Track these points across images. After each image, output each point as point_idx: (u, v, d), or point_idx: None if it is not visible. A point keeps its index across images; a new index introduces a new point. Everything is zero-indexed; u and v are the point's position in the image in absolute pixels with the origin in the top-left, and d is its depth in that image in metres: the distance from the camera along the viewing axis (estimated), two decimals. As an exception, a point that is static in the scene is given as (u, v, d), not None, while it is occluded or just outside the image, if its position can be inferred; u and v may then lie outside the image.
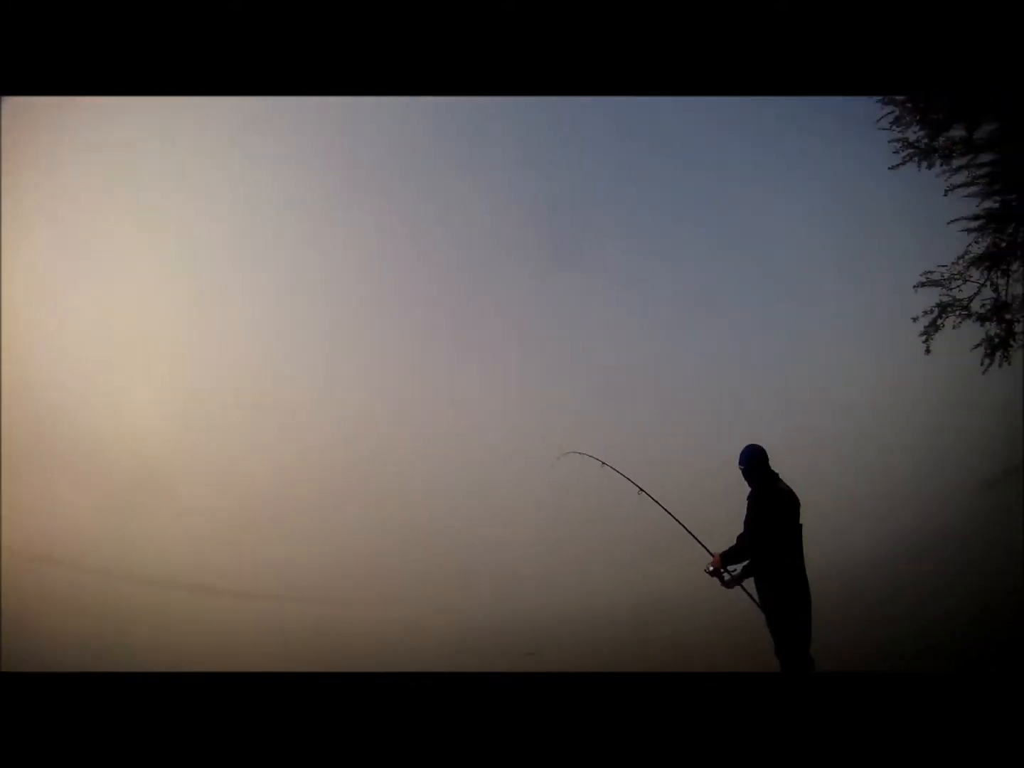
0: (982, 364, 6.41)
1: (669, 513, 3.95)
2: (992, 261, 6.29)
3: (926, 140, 6.31)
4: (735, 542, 3.47)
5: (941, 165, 6.31)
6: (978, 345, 6.42)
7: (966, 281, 6.43)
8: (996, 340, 6.34)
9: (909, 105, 6.28)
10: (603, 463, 4.44)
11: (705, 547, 3.68)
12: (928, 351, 6.62)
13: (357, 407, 10.89)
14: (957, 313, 6.48)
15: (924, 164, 6.39)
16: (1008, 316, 6.32)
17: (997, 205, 6.26)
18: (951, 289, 6.51)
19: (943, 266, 6.53)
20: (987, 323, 6.39)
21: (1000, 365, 6.34)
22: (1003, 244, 6.24)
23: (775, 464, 3.52)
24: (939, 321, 6.55)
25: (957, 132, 6.12)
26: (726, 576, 3.52)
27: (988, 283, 6.34)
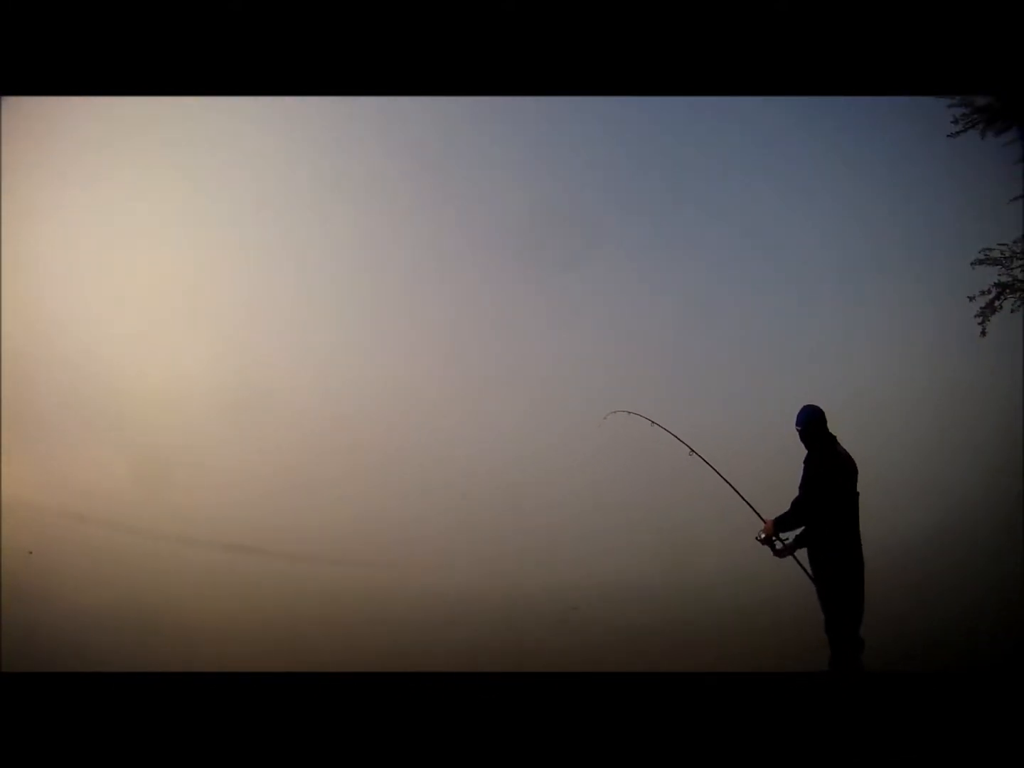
0: None
1: (721, 476, 3.77)
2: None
3: (997, 105, 5.64)
4: (789, 508, 3.29)
5: (1006, 131, 5.64)
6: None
7: None
8: None
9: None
10: (652, 422, 4.27)
11: (757, 512, 3.50)
12: (984, 333, 6.12)
13: (401, 372, 10.82)
14: (1018, 295, 6.01)
15: (989, 131, 5.78)
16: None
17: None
18: (1011, 268, 6.04)
19: (1003, 245, 6.05)
20: None
21: None
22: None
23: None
24: (997, 303, 6.09)
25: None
26: (778, 544, 3.34)
27: None
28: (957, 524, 7.45)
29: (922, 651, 4.11)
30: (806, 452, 3.35)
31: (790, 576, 3.42)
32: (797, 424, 3.37)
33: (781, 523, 3.33)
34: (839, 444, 3.34)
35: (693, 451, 3.93)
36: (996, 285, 6.11)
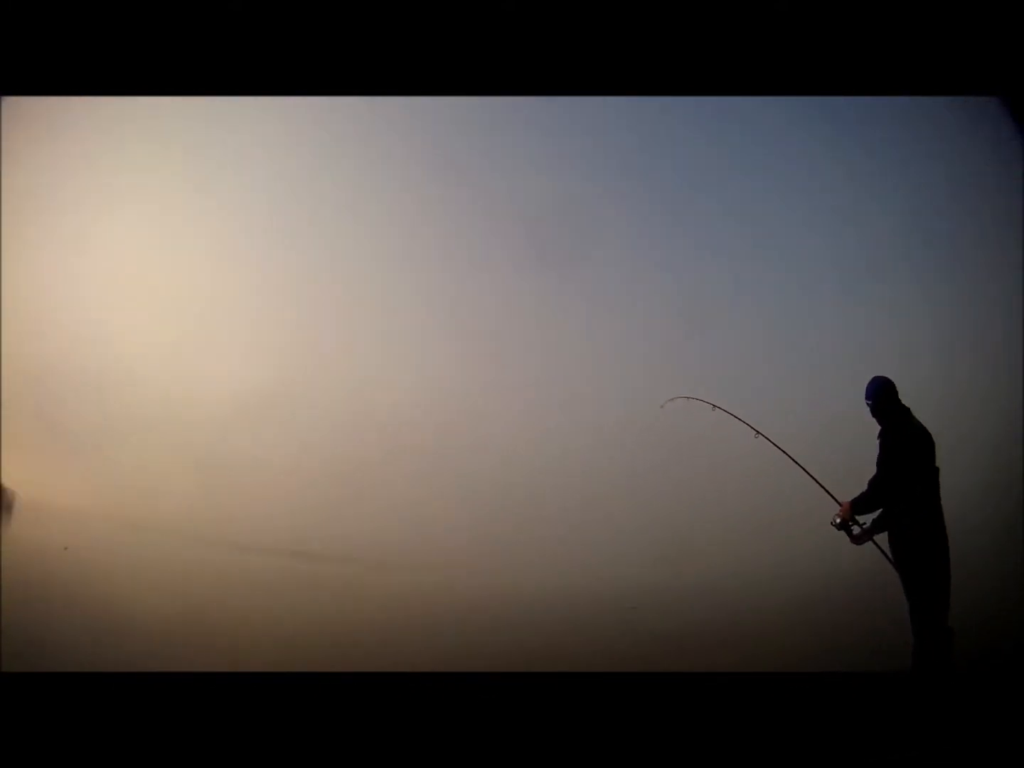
0: None
1: (791, 458, 3.54)
2: None
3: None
4: (866, 487, 3.06)
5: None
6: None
7: None
8: None
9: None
10: (715, 407, 4.07)
11: (832, 495, 3.27)
12: None
13: (446, 363, 10.79)
14: None
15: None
16: None
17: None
18: None
19: None
20: None
21: None
22: None
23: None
24: None
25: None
26: (855, 529, 3.09)
27: None
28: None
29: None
30: (879, 428, 3.14)
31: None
32: (867, 398, 3.17)
33: (858, 505, 3.08)
34: (913, 416, 3.12)
35: (759, 433, 3.72)
36: None
